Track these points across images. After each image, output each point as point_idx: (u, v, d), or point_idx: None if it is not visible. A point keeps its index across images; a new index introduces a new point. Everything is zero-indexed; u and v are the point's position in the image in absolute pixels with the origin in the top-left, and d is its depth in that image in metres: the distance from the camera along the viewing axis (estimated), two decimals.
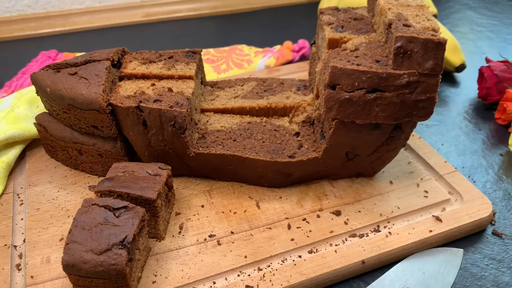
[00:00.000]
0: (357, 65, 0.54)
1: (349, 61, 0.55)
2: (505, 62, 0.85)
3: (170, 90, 0.61)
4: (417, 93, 0.54)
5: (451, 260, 0.57)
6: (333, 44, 0.61)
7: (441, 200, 0.63)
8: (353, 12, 0.67)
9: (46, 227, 0.59)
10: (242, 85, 0.73)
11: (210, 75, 0.91)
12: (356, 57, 0.56)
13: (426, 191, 0.64)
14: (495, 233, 0.61)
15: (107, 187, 0.53)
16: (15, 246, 0.57)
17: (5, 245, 0.57)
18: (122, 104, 0.59)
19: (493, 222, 0.63)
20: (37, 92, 0.65)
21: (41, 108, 0.74)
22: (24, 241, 0.57)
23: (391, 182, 0.66)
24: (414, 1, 0.60)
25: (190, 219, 0.60)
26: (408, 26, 0.54)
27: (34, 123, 0.67)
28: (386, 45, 0.56)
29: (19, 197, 0.64)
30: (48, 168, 0.68)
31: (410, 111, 0.55)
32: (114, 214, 0.50)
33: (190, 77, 0.64)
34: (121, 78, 0.64)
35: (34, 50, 1.02)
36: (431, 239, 0.58)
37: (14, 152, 0.67)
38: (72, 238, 0.48)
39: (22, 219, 0.60)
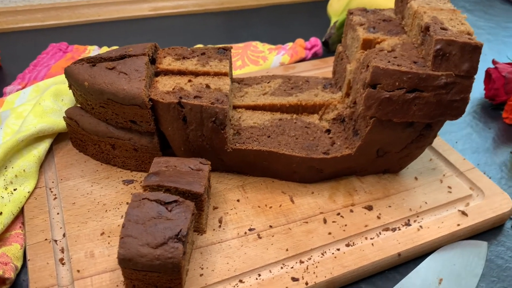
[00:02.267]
0: (398, 65, 0.56)
1: (389, 62, 0.57)
2: None
3: (207, 86, 0.62)
4: (453, 93, 0.56)
5: (477, 252, 0.61)
6: (367, 44, 0.64)
7: (464, 196, 0.66)
8: (381, 14, 0.69)
9: (85, 222, 0.59)
10: (268, 82, 0.74)
11: None
12: (394, 57, 0.58)
13: (449, 187, 0.67)
14: None
15: (156, 182, 0.54)
16: (56, 241, 0.57)
17: (46, 239, 0.56)
18: (163, 99, 0.59)
19: (511, 217, 0.66)
20: (70, 86, 0.64)
21: (66, 101, 0.73)
22: (64, 235, 0.57)
23: (416, 178, 0.68)
24: (445, 5, 0.62)
25: (228, 213, 0.61)
26: (445, 29, 0.57)
27: (64, 117, 0.67)
28: (422, 47, 0.58)
29: (51, 192, 0.63)
30: (78, 163, 0.67)
31: (445, 110, 0.58)
32: (167, 208, 0.51)
33: (225, 74, 0.65)
34: (156, 74, 0.64)
35: (42, 42, 1.00)
36: (459, 233, 0.61)
37: (44, 146, 0.66)
38: (127, 232, 0.49)
39: (58, 213, 0.60)
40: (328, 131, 0.67)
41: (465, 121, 0.86)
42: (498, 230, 0.65)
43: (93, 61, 0.63)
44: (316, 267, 0.55)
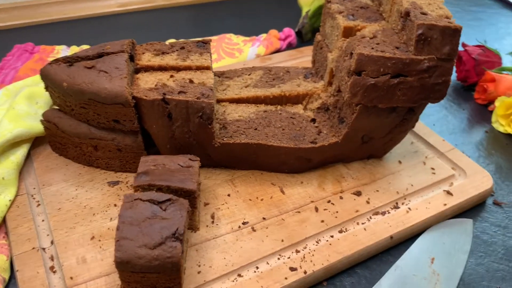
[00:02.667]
0: (382, 51, 0.57)
1: (372, 48, 0.57)
2: (481, 46, 0.92)
3: (191, 81, 0.61)
4: (435, 76, 0.58)
5: (464, 230, 0.62)
6: (348, 32, 0.64)
7: (448, 176, 0.68)
8: (358, 1, 0.70)
9: (72, 227, 0.57)
10: (249, 74, 0.73)
11: None
12: (377, 44, 0.58)
13: (432, 168, 0.69)
14: (495, 203, 0.67)
15: (147, 181, 0.53)
16: (44, 249, 0.55)
17: (33, 248, 0.54)
18: (146, 97, 0.58)
19: (492, 193, 0.69)
20: (46, 88, 0.62)
21: (41, 104, 0.70)
22: (52, 242, 0.55)
23: (400, 162, 0.70)
24: None
25: (219, 208, 0.61)
26: (425, 14, 0.58)
27: (41, 120, 0.64)
28: (403, 32, 0.59)
29: (34, 198, 0.61)
30: (58, 167, 0.65)
31: (428, 93, 0.59)
32: (161, 208, 0.50)
33: (207, 68, 0.64)
34: (136, 71, 0.63)
35: (6, 43, 0.96)
36: (446, 212, 0.63)
37: (22, 152, 0.64)
38: (122, 235, 0.47)
39: (43, 220, 0.58)
40: (314, 120, 0.67)
41: (441, 104, 0.88)
42: (481, 207, 0.67)
43: (69, 61, 0.61)
44: (313, 255, 0.55)
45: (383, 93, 0.58)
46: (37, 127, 0.66)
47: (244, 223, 0.59)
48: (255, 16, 1.15)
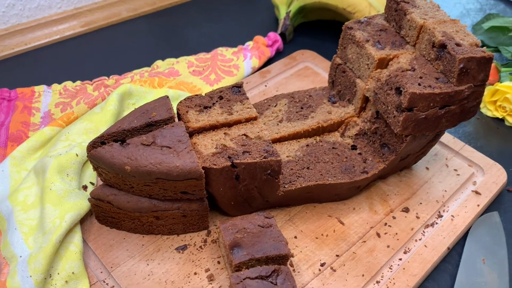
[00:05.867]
0: (429, 86, 0.60)
1: (419, 84, 0.61)
2: None
3: (246, 136, 0.61)
4: (471, 101, 0.63)
5: (495, 224, 0.71)
6: (382, 62, 0.66)
7: (469, 175, 0.75)
8: (375, 23, 0.72)
9: None
10: (275, 106, 0.74)
11: (204, 88, 0.88)
12: (420, 78, 0.62)
13: (455, 170, 0.76)
14: (509, 190, 0.77)
15: (247, 257, 0.53)
16: None
17: None
18: (215, 165, 0.57)
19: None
20: (96, 168, 0.58)
21: (71, 175, 0.65)
22: None
23: (427, 168, 0.76)
24: (440, 14, 0.67)
25: (292, 253, 0.63)
26: (459, 45, 0.62)
27: (89, 199, 0.60)
28: (438, 62, 0.63)
29: (107, 284, 0.58)
30: (117, 242, 0.62)
31: (465, 116, 0.64)
32: (272, 282, 0.51)
33: (255, 118, 0.63)
34: (190, 134, 0.60)
35: None
36: (480, 212, 0.71)
37: (78, 237, 0.60)
38: None
39: None
40: (354, 147, 0.70)
41: None
42: (498, 197, 0.76)
43: (118, 138, 0.57)
44: (394, 283, 0.61)
45: (431, 123, 0.62)
46: (84, 206, 0.62)
47: (322, 265, 0.62)
48: (225, 20, 1.12)
